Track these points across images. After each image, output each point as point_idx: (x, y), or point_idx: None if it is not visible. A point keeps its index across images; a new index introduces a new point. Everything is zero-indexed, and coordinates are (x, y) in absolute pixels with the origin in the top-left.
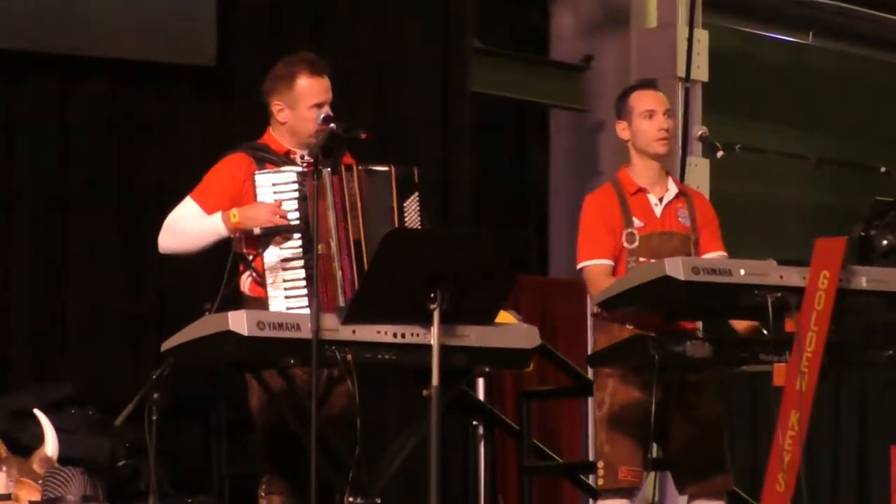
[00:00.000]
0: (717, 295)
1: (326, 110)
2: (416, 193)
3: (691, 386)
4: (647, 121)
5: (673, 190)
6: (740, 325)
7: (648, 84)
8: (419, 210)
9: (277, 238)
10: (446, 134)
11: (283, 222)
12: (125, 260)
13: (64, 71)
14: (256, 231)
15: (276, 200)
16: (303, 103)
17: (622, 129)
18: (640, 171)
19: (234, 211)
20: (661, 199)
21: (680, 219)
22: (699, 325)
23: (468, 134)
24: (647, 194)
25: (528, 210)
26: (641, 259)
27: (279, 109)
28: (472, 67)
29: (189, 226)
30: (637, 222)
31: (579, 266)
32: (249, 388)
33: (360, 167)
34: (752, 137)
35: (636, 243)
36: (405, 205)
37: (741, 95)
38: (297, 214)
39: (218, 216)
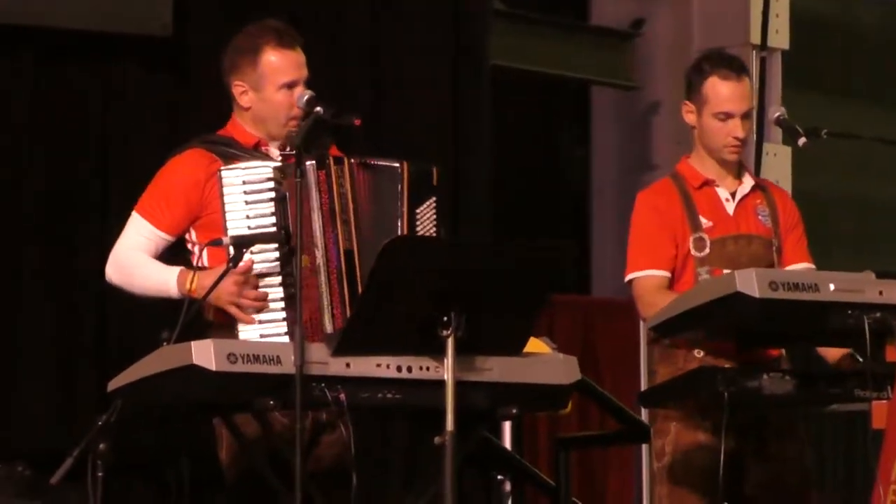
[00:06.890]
0: (801, 316)
1: (301, 90)
2: (433, 199)
3: (773, 431)
4: (720, 124)
5: (748, 183)
6: (831, 353)
7: (733, 66)
8: (435, 220)
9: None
10: (458, 119)
11: (255, 305)
12: (55, 279)
13: None
14: (225, 241)
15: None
16: (270, 83)
17: (688, 112)
18: (706, 163)
19: (193, 276)
20: (733, 195)
21: (760, 217)
22: (783, 352)
23: (488, 119)
24: (715, 187)
25: (565, 214)
26: (714, 270)
27: (241, 92)
28: (491, 35)
29: (138, 265)
30: (705, 222)
31: (628, 278)
32: (218, 436)
33: (354, 160)
34: (842, 120)
35: (707, 250)
36: (418, 212)
37: (830, 67)
38: (272, 220)
39: (174, 274)
